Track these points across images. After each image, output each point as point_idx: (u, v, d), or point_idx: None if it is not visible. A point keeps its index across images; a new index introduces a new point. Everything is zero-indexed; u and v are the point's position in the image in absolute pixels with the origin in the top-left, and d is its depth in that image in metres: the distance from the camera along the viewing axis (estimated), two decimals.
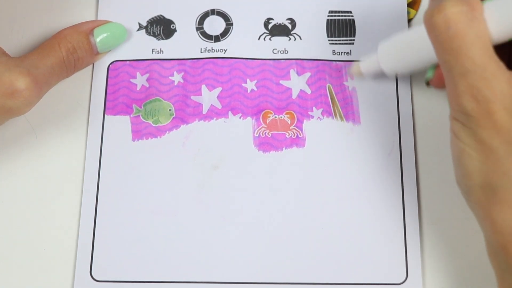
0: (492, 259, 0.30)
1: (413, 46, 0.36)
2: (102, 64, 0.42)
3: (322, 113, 0.40)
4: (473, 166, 0.29)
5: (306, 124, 0.40)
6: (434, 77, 0.36)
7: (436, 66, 0.36)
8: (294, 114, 0.40)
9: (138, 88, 0.41)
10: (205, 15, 0.43)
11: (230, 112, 0.40)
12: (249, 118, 0.40)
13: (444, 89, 0.35)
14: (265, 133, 0.40)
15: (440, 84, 0.36)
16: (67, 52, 0.39)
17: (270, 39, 0.42)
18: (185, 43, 0.42)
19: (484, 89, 0.28)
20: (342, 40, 0.42)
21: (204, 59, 0.42)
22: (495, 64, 0.29)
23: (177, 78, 0.41)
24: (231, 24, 0.43)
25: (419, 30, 0.35)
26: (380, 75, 0.39)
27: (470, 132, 0.29)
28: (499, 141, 0.28)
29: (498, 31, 0.30)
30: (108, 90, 0.41)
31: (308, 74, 0.41)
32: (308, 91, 0.41)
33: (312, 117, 0.40)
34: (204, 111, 0.41)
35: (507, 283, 0.29)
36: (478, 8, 0.30)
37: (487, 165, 0.29)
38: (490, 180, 0.29)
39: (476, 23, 0.29)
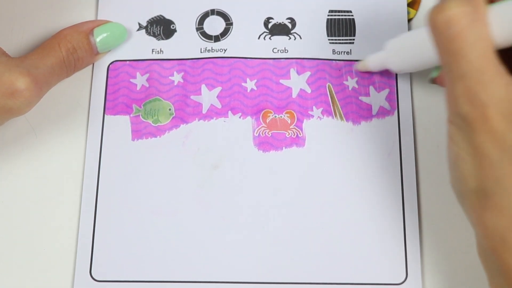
0: (483, 261, 0.30)
1: (421, 45, 0.36)
2: (102, 64, 0.42)
3: (322, 113, 0.40)
4: (467, 171, 0.29)
5: (306, 124, 0.40)
6: (440, 76, 0.36)
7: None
8: (294, 113, 0.40)
9: (138, 88, 0.41)
10: (205, 15, 0.43)
11: (230, 112, 0.40)
12: (249, 118, 0.40)
13: None
14: (265, 133, 0.40)
15: (445, 82, 0.36)
16: (67, 52, 0.39)
17: (270, 38, 0.42)
18: (185, 43, 0.42)
19: (481, 93, 0.28)
20: (342, 40, 0.42)
21: (204, 59, 0.42)
22: (494, 68, 0.28)
23: (177, 78, 0.41)
24: (231, 24, 0.43)
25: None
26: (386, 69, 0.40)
27: (465, 136, 0.29)
28: (493, 147, 0.28)
29: (502, 36, 0.29)
30: (108, 90, 0.41)
31: (308, 74, 0.41)
32: (308, 91, 0.41)
33: (312, 116, 0.40)
34: (204, 111, 0.41)
35: (497, 285, 0.29)
36: (482, 10, 0.29)
37: (480, 170, 0.28)
38: (483, 185, 0.28)
39: (478, 25, 0.28)
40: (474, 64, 0.28)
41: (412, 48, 0.37)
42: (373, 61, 0.39)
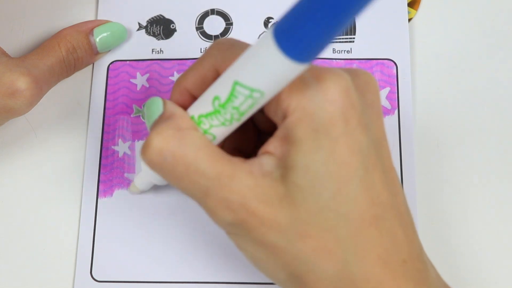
0: None
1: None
2: (102, 64, 0.42)
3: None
4: (270, 266, 0.28)
5: None
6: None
7: None
8: None
9: (138, 88, 0.41)
10: (205, 15, 0.43)
11: None
12: None
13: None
14: None
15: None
16: (67, 52, 0.39)
17: None
18: (185, 43, 0.42)
19: (232, 196, 0.27)
20: (342, 39, 0.42)
21: None
22: (229, 166, 0.27)
23: (177, 78, 0.41)
24: (231, 24, 0.43)
25: None
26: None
27: (247, 239, 0.28)
28: (274, 234, 0.27)
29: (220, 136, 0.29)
30: (108, 90, 0.41)
31: None
32: None
33: None
34: None
35: None
36: (185, 122, 0.28)
37: (279, 260, 0.27)
38: (291, 271, 0.27)
39: (189, 138, 0.28)
40: (209, 174, 0.27)
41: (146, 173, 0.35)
42: (138, 182, 0.37)
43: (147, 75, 0.41)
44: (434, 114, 0.40)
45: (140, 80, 0.41)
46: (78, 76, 0.41)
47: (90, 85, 0.41)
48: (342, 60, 0.41)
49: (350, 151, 0.26)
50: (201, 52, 0.42)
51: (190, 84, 0.31)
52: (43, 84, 0.37)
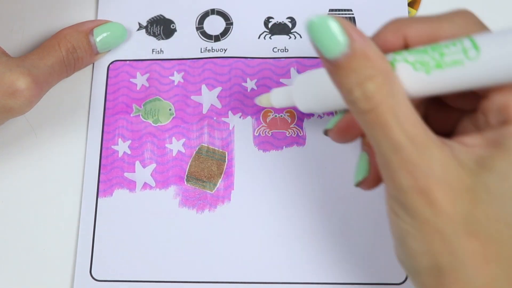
0: None
1: (330, 87, 0.31)
2: (102, 64, 0.42)
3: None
4: (418, 247, 0.27)
5: (307, 123, 0.40)
6: (336, 128, 0.33)
7: (343, 114, 0.33)
8: (295, 112, 0.40)
9: (138, 88, 0.41)
10: (205, 15, 0.43)
11: (230, 112, 0.40)
12: (249, 118, 0.40)
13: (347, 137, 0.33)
14: (265, 132, 0.40)
15: (340, 137, 0.33)
16: (67, 52, 0.39)
17: (270, 38, 0.42)
18: (185, 43, 0.42)
19: (420, 163, 0.26)
20: None
21: (204, 59, 0.42)
22: (425, 133, 0.26)
23: (177, 78, 0.41)
24: (231, 24, 0.43)
25: None
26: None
27: (411, 211, 0.26)
28: (443, 220, 0.26)
29: (413, 91, 0.27)
30: (108, 90, 0.41)
31: None
32: None
33: (313, 115, 0.40)
34: (204, 111, 0.40)
35: None
36: (392, 72, 0.27)
37: (433, 245, 0.26)
38: (437, 261, 0.26)
39: (396, 90, 0.26)
40: (406, 133, 0.26)
41: (319, 86, 0.33)
42: (276, 96, 0.36)
43: (147, 75, 0.41)
44: None
45: (140, 80, 0.41)
46: (78, 76, 0.41)
47: (90, 85, 0.42)
48: None
49: None
50: (201, 52, 0.42)
51: (415, 33, 0.29)
52: (43, 84, 0.37)
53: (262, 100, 0.37)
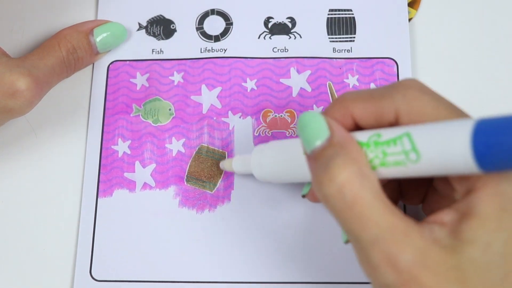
0: None
1: (290, 161, 0.32)
2: (102, 64, 0.42)
3: (323, 111, 0.40)
4: None
5: None
6: (310, 193, 0.34)
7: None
8: (295, 112, 0.40)
9: (138, 88, 0.41)
10: (205, 15, 0.43)
11: (230, 112, 0.40)
12: (249, 118, 0.40)
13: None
14: (265, 132, 0.40)
15: (316, 199, 0.34)
16: (67, 52, 0.39)
17: (270, 38, 0.42)
18: (185, 43, 0.42)
19: (401, 254, 0.25)
20: (343, 38, 0.42)
21: (204, 59, 0.42)
22: (403, 222, 0.26)
23: (177, 78, 0.41)
24: (231, 24, 0.43)
25: (298, 144, 0.31)
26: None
27: None
28: None
29: (383, 174, 0.28)
30: (108, 90, 0.41)
31: (308, 72, 0.41)
32: (309, 89, 0.41)
33: None
34: (204, 111, 0.40)
35: None
36: (363, 160, 0.27)
37: None
38: None
39: (367, 180, 0.26)
40: (382, 224, 0.26)
41: (279, 160, 0.33)
42: (237, 163, 0.37)
43: (147, 75, 0.41)
44: None
45: (140, 80, 0.41)
46: (78, 76, 0.41)
47: (90, 85, 0.42)
48: (343, 60, 0.41)
49: None
50: (201, 52, 0.42)
51: (360, 112, 0.30)
52: (43, 85, 0.37)
53: (225, 165, 0.38)
